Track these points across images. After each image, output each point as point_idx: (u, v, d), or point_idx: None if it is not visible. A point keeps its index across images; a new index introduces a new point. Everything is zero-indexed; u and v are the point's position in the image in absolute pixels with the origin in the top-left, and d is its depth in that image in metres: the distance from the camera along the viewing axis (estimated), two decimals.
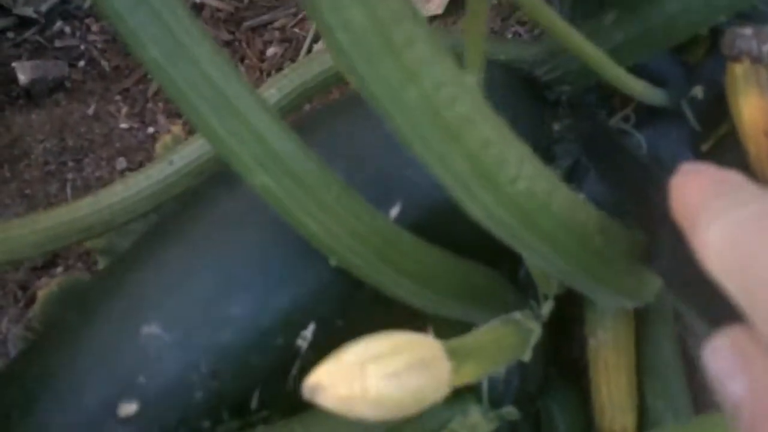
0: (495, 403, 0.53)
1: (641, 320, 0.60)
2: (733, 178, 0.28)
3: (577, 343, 0.62)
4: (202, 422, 0.43)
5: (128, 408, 0.41)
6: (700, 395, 0.60)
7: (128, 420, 0.41)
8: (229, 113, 0.35)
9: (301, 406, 0.44)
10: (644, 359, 0.59)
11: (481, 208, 0.34)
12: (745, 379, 0.23)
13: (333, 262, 0.42)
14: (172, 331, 0.42)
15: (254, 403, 0.43)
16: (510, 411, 0.54)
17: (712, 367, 0.24)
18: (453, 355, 0.35)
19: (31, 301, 0.83)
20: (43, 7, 1.07)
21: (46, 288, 0.63)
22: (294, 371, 0.44)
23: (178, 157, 0.60)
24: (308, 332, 0.44)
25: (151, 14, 0.33)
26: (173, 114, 0.96)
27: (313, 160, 0.38)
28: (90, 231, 0.57)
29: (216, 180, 0.52)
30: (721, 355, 0.24)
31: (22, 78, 0.97)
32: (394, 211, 0.47)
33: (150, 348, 0.42)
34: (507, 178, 0.33)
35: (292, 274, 0.45)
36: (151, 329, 0.42)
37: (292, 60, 1.00)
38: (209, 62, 0.35)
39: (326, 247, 0.40)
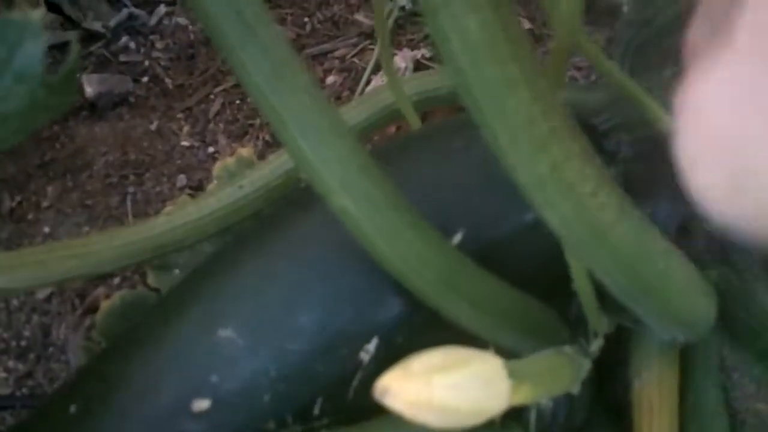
0: None
1: (687, 368, 0.62)
2: None
3: (620, 386, 0.65)
4: (268, 423, 0.47)
5: (201, 404, 0.46)
6: None
7: (200, 416, 0.46)
8: (319, 139, 0.40)
9: (360, 416, 0.49)
10: (688, 406, 0.61)
11: (559, 217, 0.39)
12: None
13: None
14: (246, 336, 0.47)
15: (317, 410, 0.48)
16: None
17: None
18: (512, 374, 0.38)
19: (89, 309, 0.87)
20: (111, 22, 1.13)
21: (107, 300, 0.67)
22: (355, 382, 0.48)
23: (247, 182, 0.65)
24: (371, 346, 0.48)
25: (260, 49, 0.38)
26: (234, 135, 1.02)
27: (390, 187, 0.43)
28: (163, 249, 0.60)
29: (291, 203, 0.57)
30: None
31: (89, 90, 1.03)
32: (456, 239, 0.52)
33: (225, 350, 0.47)
34: (585, 190, 0.37)
35: (358, 291, 0.49)
36: (227, 333, 0.47)
37: (351, 89, 1.05)
38: (306, 92, 0.40)
39: (394, 268, 0.44)
